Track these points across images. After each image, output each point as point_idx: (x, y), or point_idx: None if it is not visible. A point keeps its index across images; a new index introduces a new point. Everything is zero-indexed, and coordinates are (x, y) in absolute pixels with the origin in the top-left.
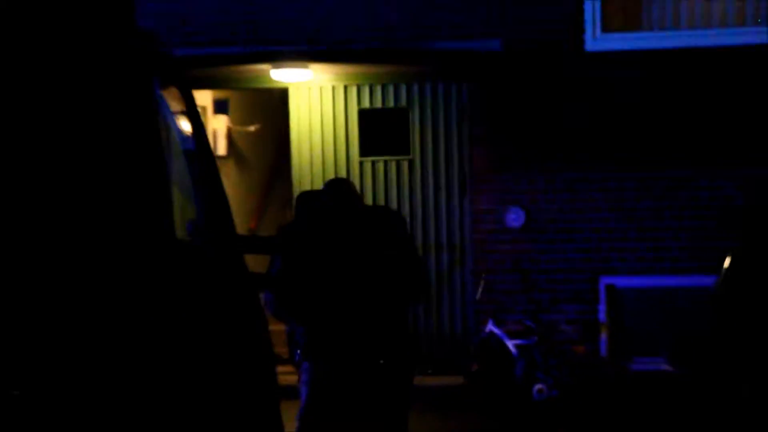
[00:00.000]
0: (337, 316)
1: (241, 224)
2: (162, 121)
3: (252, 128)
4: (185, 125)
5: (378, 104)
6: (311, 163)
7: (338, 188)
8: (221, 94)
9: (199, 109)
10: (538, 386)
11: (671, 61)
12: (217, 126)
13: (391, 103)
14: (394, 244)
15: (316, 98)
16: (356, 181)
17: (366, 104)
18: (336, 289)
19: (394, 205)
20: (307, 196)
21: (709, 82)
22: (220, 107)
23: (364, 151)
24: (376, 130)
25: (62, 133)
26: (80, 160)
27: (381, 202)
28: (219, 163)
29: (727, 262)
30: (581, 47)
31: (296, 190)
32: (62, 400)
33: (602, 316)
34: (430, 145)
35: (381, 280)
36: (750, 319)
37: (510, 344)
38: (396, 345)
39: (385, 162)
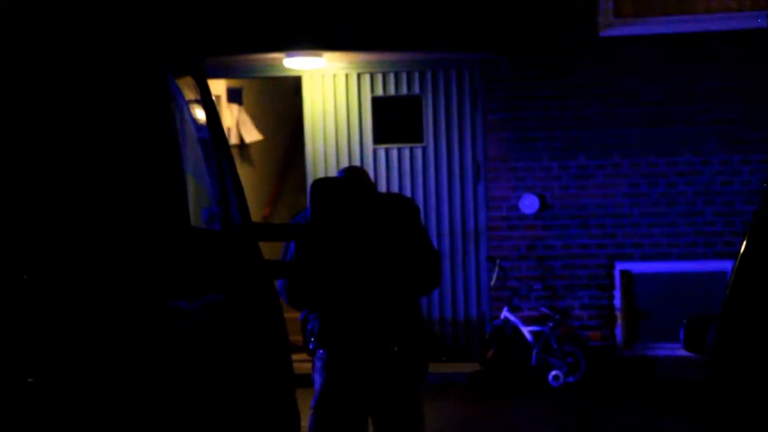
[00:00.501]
0: (350, 304)
1: (255, 212)
2: (176, 109)
3: (259, 137)
4: (200, 113)
5: (391, 92)
6: (325, 151)
7: (353, 176)
8: (235, 82)
9: (213, 98)
10: (554, 372)
11: (685, 46)
12: (232, 114)
13: (403, 91)
14: (408, 232)
15: (330, 86)
16: (369, 169)
17: (379, 92)
18: (349, 276)
19: (407, 192)
20: (321, 183)
21: (723, 66)
22: (233, 96)
23: (377, 138)
24: (390, 118)
25: (75, 123)
26: (93, 149)
27: (394, 189)
28: (233, 151)
29: (743, 246)
30: (595, 32)
31: (309, 178)
32: (79, 388)
33: (618, 301)
34: (443, 132)
35: (394, 268)
36: (764, 305)
37: (525, 330)
38: (410, 332)
39: (399, 149)
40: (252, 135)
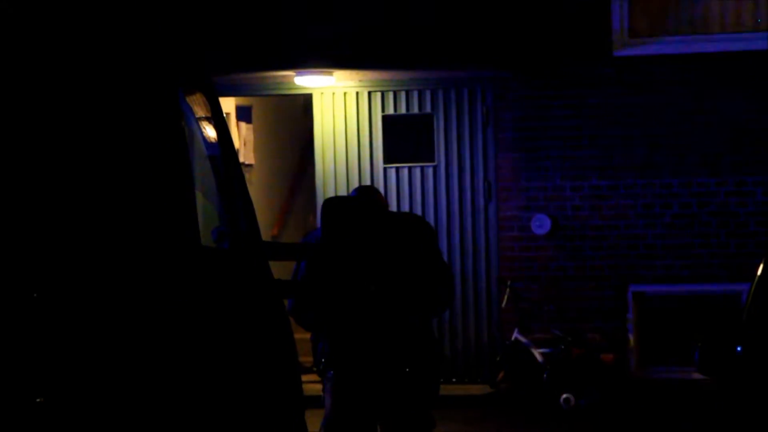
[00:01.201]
0: (361, 324)
1: (264, 231)
2: (187, 126)
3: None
4: (210, 131)
5: (402, 110)
6: (335, 170)
7: (365, 195)
8: (244, 100)
9: (224, 116)
10: (564, 395)
11: (699, 66)
12: (241, 132)
13: (415, 109)
14: (421, 252)
15: (340, 104)
16: (380, 188)
17: (390, 110)
18: (361, 296)
19: (418, 212)
20: (334, 202)
21: (738, 86)
22: (243, 114)
23: (388, 157)
24: (400, 137)
25: (88, 141)
26: (106, 167)
27: (405, 209)
28: (242, 169)
29: (760, 268)
30: (610, 52)
31: (320, 197)
32: (84, 407)
33: (630, 324)
34: (455, 152)
35: (407, 288)
36: None
37: (536, 353)
38: (421, 353)
39: (410, 168)
40: (248, 157)
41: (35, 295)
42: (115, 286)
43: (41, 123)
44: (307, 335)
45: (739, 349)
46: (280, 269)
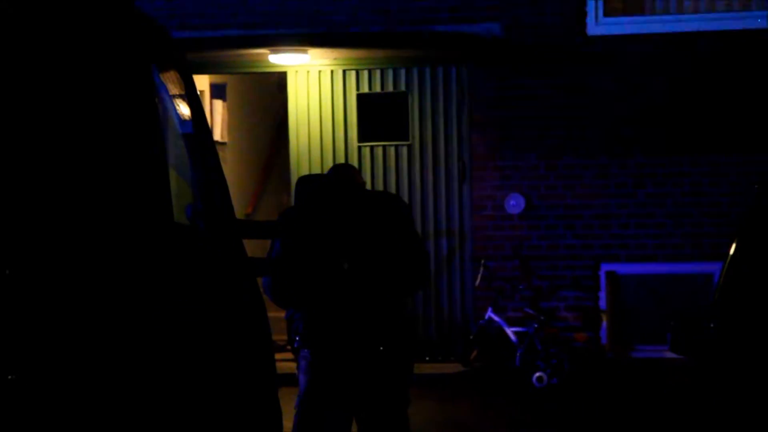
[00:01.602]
0: (336, 303)
1: (238, 209)
2: (161, 104)
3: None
4: (184, 109)
5: (377, 89)
6: (309, 148)
7: (341, 173)
8: (219, 78)
9: (198, 94)
10: (537, 374)
11: (674, 46)
12: (215, 110)
13: (390, 88)
14: (397, 230)
15: (315, 82)
16: (355, 167)
17: (365, 89)
18: (335, 274)
19: (392, 190)
20: (308, 179)
21: (711, 66)
22: (217, 92)
23: (362, 136)
24: (375, 115)
25: (58, 118)
26: (77, 144)
27: (379, 187)
28: (217, 147)
29: (732, 248)
30: (583, 31)
31: (294, 175)
32: (58, 384)
33: (603, 303)
34: (429, 131)
35: (382, 267)
36: (756, 306)
37: (509, 331)
38: (396, 331)
39: (384, 148)
40: (222, 135)
41: (6, 272)
42: (86, 262)
43: (6, 100)
44: (282, 313)
45: (711, 328)
46: (256, 248)
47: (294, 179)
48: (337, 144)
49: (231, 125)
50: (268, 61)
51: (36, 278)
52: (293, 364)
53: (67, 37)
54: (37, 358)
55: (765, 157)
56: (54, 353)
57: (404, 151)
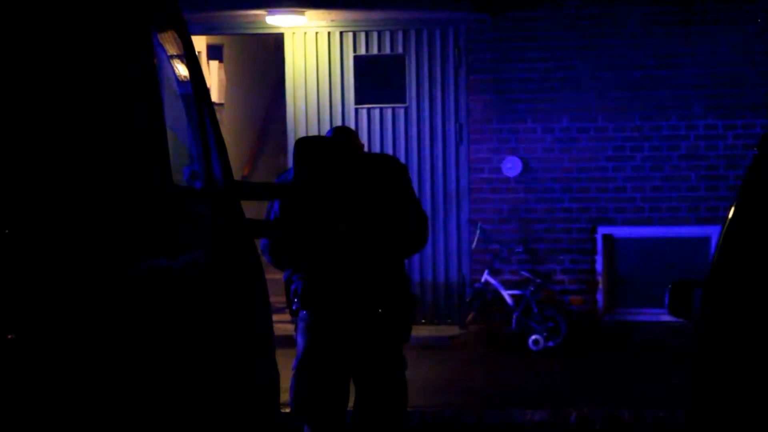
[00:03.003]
0: (335, 264)
1: (235, 170)
2: (159, 64)
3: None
4: (183, 69)
5: (374, 51)
6: (306, 111)
7: (340, 135)
8: (215, 39)
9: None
10: (534, 337)
11: (671, 7)
12: (212, 71)
13: (387, 50)
14: (396, 192)
15: (312, 44)
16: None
17: (362, 51)
18: (334, 236)
19: (389, 153)
20: (306, 141)
21: (711, 29)
22: (214, 53)
23: (359, 98)
24: (372, 77)
25: (57, 78)
26: (76, 104)
27: (376, 150)
28: (214, 109)
29: (731, 212)
30: None
31: (290, 137)
32: (57, 344)
33: (599, 266)
34: (426, 93)
35: (381, 229)
36: (753, 272)
37: (506, 294)
38: (394, 294)
39: (381, 110)
40: (219, 96)
41: (6, 231)
42: (87, 223)
43: (7, 61)
44: (280, 275)
45: (709, 291)
46: (253, 210)
47: (291, 141)
48: (333, 106)
49: (228, 87)
50: (265, 23)
51: (35, 236)
52: (291, 326)
53: None
54: (36, 311)
55: (762, 121)
56: (45, 313)
57: (401, 113)
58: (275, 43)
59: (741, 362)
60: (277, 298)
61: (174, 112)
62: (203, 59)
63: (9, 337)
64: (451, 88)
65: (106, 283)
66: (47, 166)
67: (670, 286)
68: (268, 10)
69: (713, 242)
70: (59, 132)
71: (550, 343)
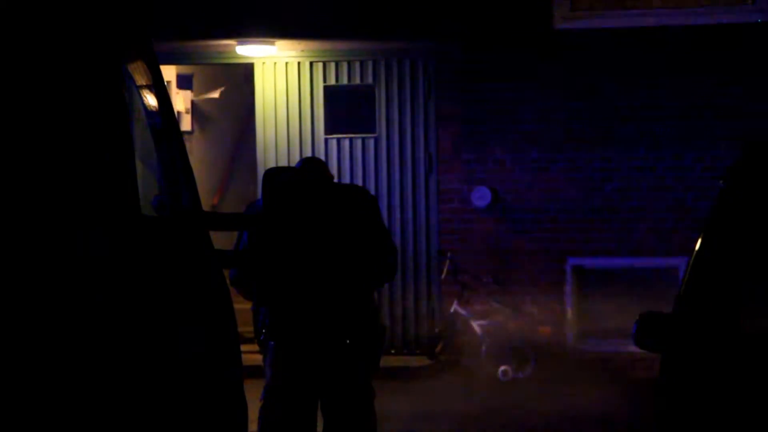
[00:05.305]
0: (303, 295)
1: (204, 200)
2: (128, 94)
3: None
4: (151, 99)
5: (344, 81)
6: (276, 140)
7: (310, 165)
8: (185, 69)
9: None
10: (503, 368)
11: (642, 40)
12: (181, 101)
13: (357, 80)
14: (365, 223)
15: (282, 74)
16: (321, 159)
17: (332, 81)
18: (302, 267)
19: (359, 183)
20: (276, 172)
21: (679, 61)
22: (184, 82)
23: (329, 128)
24: (342, 107)
25: (25, 108)
26: (44, 134)
27: (346, 180)
28: (183, 138)
29: (698, 243)
30: (550, 25)
31: (260, 167)
32: (23, 372)
33: (569, 297)
34: (396, 123)
35: (349, 259)
36: (719, 302)
37: (475, 325)
38: (362, 324)
39: (351, 140)
40: (188, 125)
41: None
42: (52, 254)
43: None
44: (248, 305)
45: (675, 323)
46: (223, 240)
47: (261, 171)
48: (303, 136)
49: (197, 116)
50: (235, 53)
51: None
52: (260, 356)
53: (34, 26)
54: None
55: (729, 153)
56: (17, 349)
57: (371, 143)
58: (245, 72)
59: (707, 394)
60: (246, 328)
61: (143, 142)
62: (173, 88)
63: None
64: (421, 118)
65: (71, 314)
66: (13, 196)
67: (637, 318)
68: (239, 40)
69: (681, 273)
70: (26, 162)
71: (520, 374)
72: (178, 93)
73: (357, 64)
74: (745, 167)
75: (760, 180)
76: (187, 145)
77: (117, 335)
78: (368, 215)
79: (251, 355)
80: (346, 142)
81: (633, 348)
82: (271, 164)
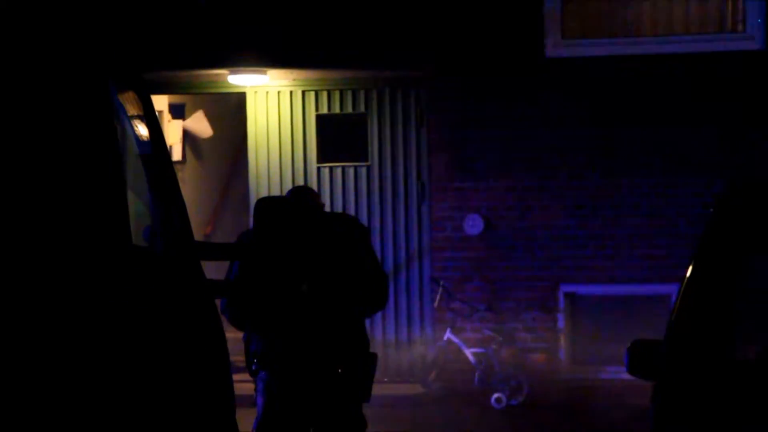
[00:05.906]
0: (294, 325)
1: (196, 230)
2: (119, 125)
3: (205, 133)
4: (142, 129)
5: (336, 110)
6: (268, 169)
7: (300, 195)
8: (177, 98)
9: (157, 114)
10: (496, 395)
11: (633, 68)
12: (173, 130)
13: (349, 109)
14: (355, 252)
15: (274, 103)
16: (314, 188)
17: (324, 110)
18: (293, 296)
19: (351, 211)
20: (267, 201)
21: (670, 88)
22: (176, 111)
23: (322, 157)
24: (335, 136)
25: (16, 138)
26: (36, 165)
27: (338, 209)
28: (175, 167)
29: (689, 270)
30: (542, 53)
31: (253, 196)
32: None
33: (562, 324)
34: (388, 152)
35: (340, 289)
36: (710, 328)
37: (468, 352)
38: (354, 353)
39: (343, 168)
40: (180, 155)
41: None
42: (44, 284)
43: None
44: (240, 334)
45: (667, 350)
46: (214, 269)
47: (253, 200)
48: (296, 165)
49: (190, 145)
50: (227, 82)
51: None
52: (251, 385)
53: (25, 57)
54: None
55: (721, 179)
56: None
57: (363, 171)
58: (238, 101)
59: (699, 422)
60: (237, 357)
61: (134, 172)
62: (165, 117)
63: None
64: (413, 146)
65: (64, 345)
66: (4, 225)
67: (629, 345)
68: (231, 69)
69: (674, 300)
70: (17, 192)
71: (513, 402)
72: (170, 122)
73: (349, 93)
74: (733, 195)
75: (748, 207)
76: (180, 174)
77: (109, 365)
78: (358, 243)
79: (243, 384)
80: (339, 171)
81: (626, 375)
82: (264, 193)
